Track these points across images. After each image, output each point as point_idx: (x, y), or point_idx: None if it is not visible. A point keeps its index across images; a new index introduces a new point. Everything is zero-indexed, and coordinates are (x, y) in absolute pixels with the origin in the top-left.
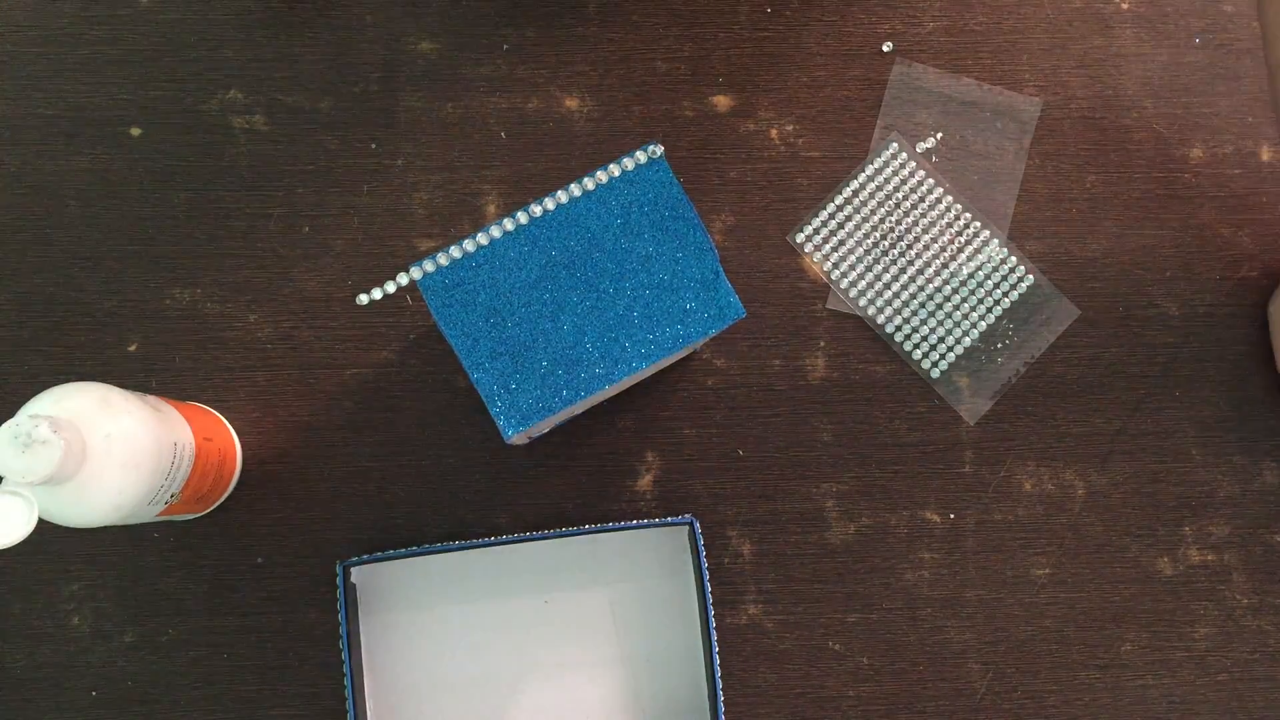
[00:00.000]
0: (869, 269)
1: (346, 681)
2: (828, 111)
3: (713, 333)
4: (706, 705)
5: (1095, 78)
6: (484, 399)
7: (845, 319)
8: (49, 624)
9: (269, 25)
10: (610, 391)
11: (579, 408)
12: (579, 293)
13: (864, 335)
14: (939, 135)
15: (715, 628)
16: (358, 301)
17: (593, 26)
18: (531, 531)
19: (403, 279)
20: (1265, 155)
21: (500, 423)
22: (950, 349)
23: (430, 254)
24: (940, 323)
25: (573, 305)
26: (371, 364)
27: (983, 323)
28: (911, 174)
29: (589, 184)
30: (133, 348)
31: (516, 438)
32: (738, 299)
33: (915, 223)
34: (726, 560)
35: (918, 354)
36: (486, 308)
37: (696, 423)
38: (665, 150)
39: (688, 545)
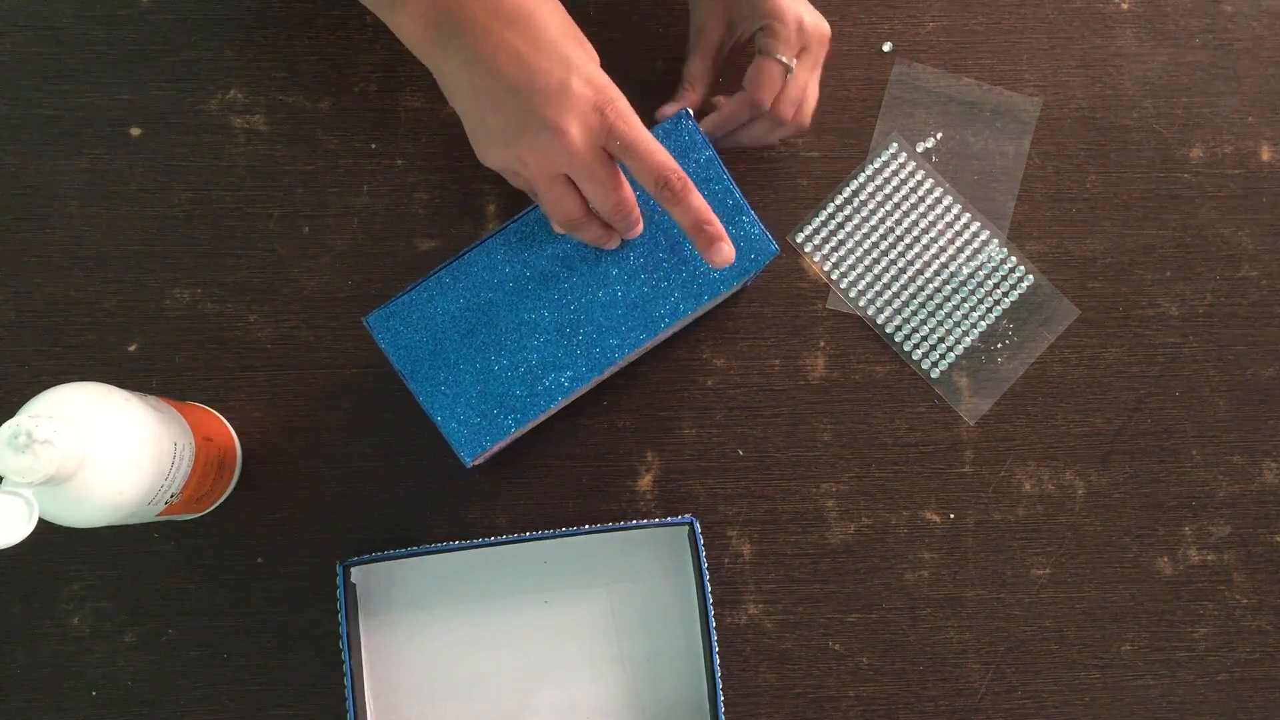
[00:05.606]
0: (869, 269)
1: (346, 681)
2: (828, 111)
3: (750, 275)
4: (706, 705)
5: (1095, 78)
6: (441, 430)
7: (845, 319)
8: (49, 624)
9: (269, 25)
10: (633, 355)
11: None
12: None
13: (864, 335)
14: (939, 135)
15: (715, 628)
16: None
17: (593, 26)
18: (531, 531)
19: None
20: (1265, 155)
21: (460, 452)
22: (950, 349)
23: (426, 256)
24: (940, 323)
25: (575, 295)
26: (371, 364)
27: (983, 323)
28: (911, 174)
29: None
30: (133, 348)
31: (479, 459)
32: (770, 237)
33: (915, 223)
34: (726, 560)
35: (918, 354)
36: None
37: (696, 423)
38: None
39: (688, 545)
